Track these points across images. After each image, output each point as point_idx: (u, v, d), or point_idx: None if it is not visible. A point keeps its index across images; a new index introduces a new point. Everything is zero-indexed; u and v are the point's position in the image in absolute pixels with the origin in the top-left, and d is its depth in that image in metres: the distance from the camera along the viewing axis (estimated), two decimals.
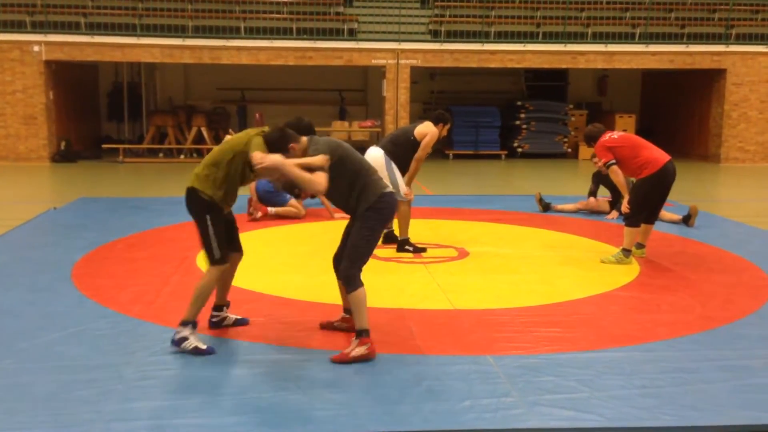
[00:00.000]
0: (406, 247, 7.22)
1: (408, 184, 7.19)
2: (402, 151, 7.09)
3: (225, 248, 4.45)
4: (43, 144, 15.22)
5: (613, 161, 6.82)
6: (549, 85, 18.90)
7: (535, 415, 3.59)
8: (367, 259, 4.43)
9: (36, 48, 14.93)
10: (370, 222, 4.37)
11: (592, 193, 9.62)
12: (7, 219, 8.59)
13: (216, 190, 4.39)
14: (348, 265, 4.37)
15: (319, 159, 4.22)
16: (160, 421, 3.48)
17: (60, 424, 3.43)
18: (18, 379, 3.95)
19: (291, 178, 4.14)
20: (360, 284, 4.35)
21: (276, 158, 4.12)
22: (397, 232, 7.37)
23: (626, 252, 6.81)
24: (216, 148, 4.54)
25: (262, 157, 4.09)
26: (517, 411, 3.64)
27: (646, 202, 6.81)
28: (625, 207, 6.84)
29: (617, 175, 6.85)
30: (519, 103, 17.37)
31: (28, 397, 3.73)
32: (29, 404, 3.64)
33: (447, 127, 7.33)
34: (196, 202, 4.41)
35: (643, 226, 6.92)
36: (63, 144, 15.65)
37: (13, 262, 6.59)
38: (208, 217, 4.38)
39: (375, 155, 6.96)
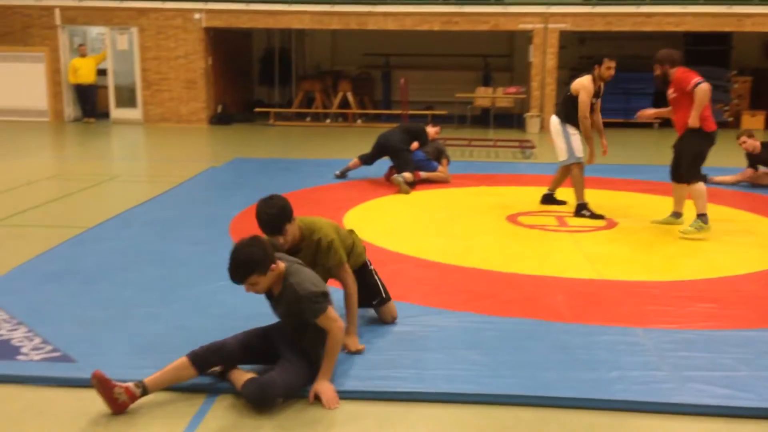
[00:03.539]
0: (583, 211, 7.21)
1: (590, 145, 7.28)
2: (567, 110, 7.29)
3: None
4: (202, 107, 16.15)
5: (703, 81, 6.15)
6: (710, 49, 17.69)
7: (688, 391, 3.46)
8: None
9: (197, 16, 15.78)
10: None
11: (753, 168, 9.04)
12: (173, 176, 9.26)
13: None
14: None
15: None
16: None
17: None
18: (184, 323, 4.28)
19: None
20: None
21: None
22: (557, 195, 7.75)
23: (704, 217, 6.38)
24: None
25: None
26: (668, 385, 3.51)
27: (703, 157, 6.48)
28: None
29: (707, 93, 6.14)
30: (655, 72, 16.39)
31: (193, 339, 4.01)
32: (194, 347, 3.92)
33: (605, 65, 7.10)
34: None
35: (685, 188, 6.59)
36: (219, 107, 16.53)
37: (178, 216, 7.09)
38: None
39: (553, 122, 7.44)
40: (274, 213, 3.76)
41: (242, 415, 3.29)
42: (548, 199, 7.76)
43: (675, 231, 6.64)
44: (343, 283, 4.05)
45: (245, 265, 3.34)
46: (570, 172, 7.38)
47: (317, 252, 3.94)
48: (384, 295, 4.33)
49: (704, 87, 6.10)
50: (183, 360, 3.42)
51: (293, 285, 3.44)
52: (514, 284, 5.09)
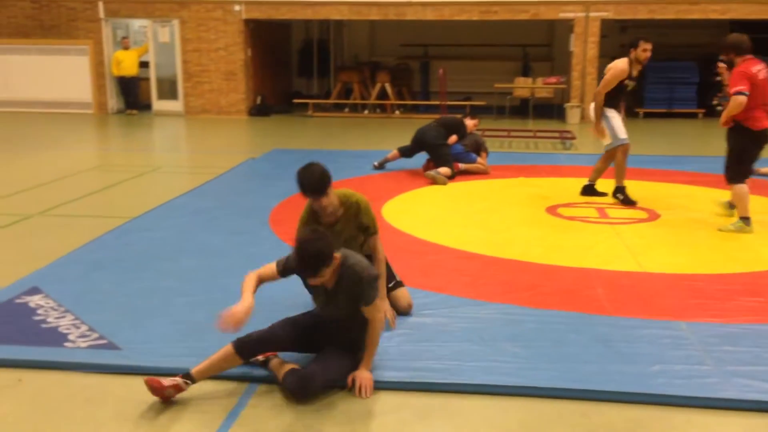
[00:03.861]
0: (618, 194, 7.26)
1: (596, 120, 7.29)
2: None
3: None
4: (242, 98, 16.30)
5: (746, 92, 5.91)
6: (757, 37, 17.21)
7: (732, 385, 3.40)
8: None
9: (237, 8, 15.91)
10: None
11: None
12: (213, 167, 9.36)
13: None
14: None
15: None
16: None
17: None
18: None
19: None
20: None
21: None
22: (597, 186, 7.68)
23: (746, 220, 6.18)
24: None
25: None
26: (712, 380, 3.46)
27: (748, 156, 6.23)
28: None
29: (740, 106, 5.92)
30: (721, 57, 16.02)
31: None
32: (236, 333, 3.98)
33: (641, 47, 7.02)
34: None
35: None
36: (259, 99, 16.66)
37: (219, 206, 7.18)
38: None
39: (591, 109, 7.46)
40: (317, 177, 3.96)
41: (283, 406, 3.33)
42: (588, 190, 7.68)
43: (719, 223, 6.51)
44: (374, 249, 4.15)
45: (316, 257, 3.37)
46: (614, 158, 7.32)
47: (358, 213, 4.08)
48: (398, 279, 4.40)
49: (738, 99, 5.93)
50: (228, 349, 3.48)
51: (353, 266, 3.48)
52: (554, 276, 5.05)
